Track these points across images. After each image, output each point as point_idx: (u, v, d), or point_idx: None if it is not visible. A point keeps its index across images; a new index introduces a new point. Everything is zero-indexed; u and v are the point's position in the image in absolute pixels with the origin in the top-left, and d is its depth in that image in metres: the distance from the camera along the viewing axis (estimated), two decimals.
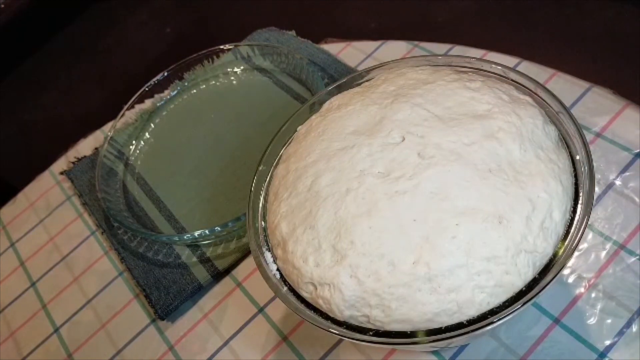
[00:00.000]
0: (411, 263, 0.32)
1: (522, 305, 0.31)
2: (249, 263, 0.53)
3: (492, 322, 0.31)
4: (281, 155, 0.43)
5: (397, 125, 0.37)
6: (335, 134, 0.39)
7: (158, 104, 0.70)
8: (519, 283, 0.32)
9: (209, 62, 0.70)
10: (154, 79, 0.69)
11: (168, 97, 0.71)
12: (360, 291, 0.33)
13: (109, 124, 0.71)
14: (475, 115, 0.37)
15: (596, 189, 0.46)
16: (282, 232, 0.37)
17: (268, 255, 0.38)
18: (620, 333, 0.39)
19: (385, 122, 0.38)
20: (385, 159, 0.36)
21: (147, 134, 0.68)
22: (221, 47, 0.69)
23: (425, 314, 0.32)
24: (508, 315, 0.31)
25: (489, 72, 0.42)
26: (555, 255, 0.33)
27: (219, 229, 0.51)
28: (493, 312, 0.32)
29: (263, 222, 0.40)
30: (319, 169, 0.38)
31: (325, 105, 0.44)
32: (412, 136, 0.36)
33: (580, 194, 0.35)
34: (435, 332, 0.32)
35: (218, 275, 0.53)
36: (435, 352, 0.43)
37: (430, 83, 0.40)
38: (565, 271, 0.43)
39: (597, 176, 0.47)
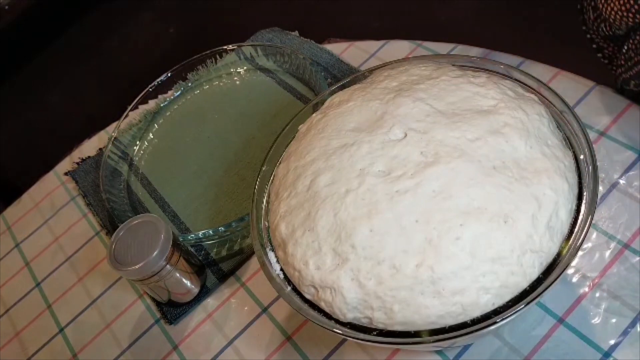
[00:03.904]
0: (414, 266, 0.32)
1: (525, 305, 0.31)
2: (252, 263, 0.53)
3: (495, 322, 0.31)
4: (283, 155, 0.43)
5: (398, 120, 0.37)
6: (334, 131, 0.39)
7: (162, 105, 0.70)
8: (523, 283, 0.32)
9: (212, 62, 0.70)
10: (158, 80, 0.69)
11: (172, 97, 0.71)
12: (362, 294, 0.33)
13: (113, 125, 0.71)
14: (480, 111, 0.36)
15: (600, 188, 0.46)
16: (282, 234, 0.37)
17: (271, 255, 0.38)
18: (625, 332, 0.39)
19: (387, 118, 0.37)
20: (386, 156, 0.35)
21: (150, 135, 0.69)
22: (224, 47, 0.70)
23: (428, 316, 0.32)
24: (512, 315, 0.31)
25: (492, 71, 0.42)
26: (559, 254, 0.33)
27: (222, 229, 0.52)
28: (497, 312, 0.32)
29: (266, 222, 0.40)
30: (318, 168, 0.37)
31: (327, 103, 0.44)
32: (414, 132, 0.36)
33: (584, 193, 0.35)
34: (438, 332, 0.32)
35: (223, 277, 0.53)
36: (439, 352, 0.43)
37: (434, 78, 0.40)
38: (570, 270, 0.43)
39: (601, 175, 0.47)
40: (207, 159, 0.63)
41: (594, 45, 0.56)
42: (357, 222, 0.33)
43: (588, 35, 0.54)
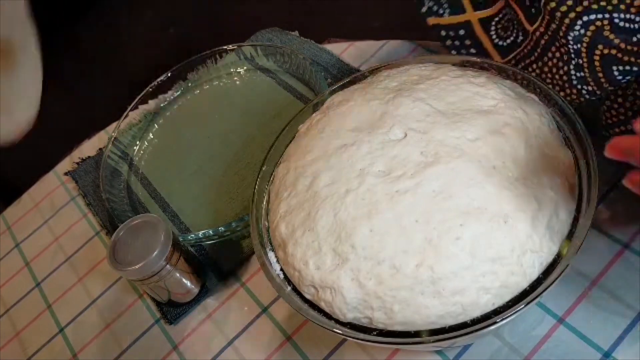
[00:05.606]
0: (414, 266, 0.32)
1: (525, 305, 0.31)
2: (252, 263, 0.53)
3: (495, 322, 0.31)
4: (282, 155, 0.43)
5: (398, 120, 0.37)
6: (334, 131, 0.39)
7: (162, 105, 0.70)
8: (524, 283, 0.32)
9: (212, 62, 0.70)
10: (158, 80, 0.69)
11: (172, 97, 0.71)
12: (362, 294, 0.33)
13: (113, 125, 0.71)
14: (480, 111, 0.36)
15: (599, 187, 0.46)
16: (282, 234, 0.37)
17: (272, 255, 0.38)
18: (625, 332, 0.39)
19: (387, 118, 0.37)
20: (386, 156, 0.35)
21: (150, 135, 0.69)
22: (224, 47, 0.70)
23: (428, 316, 0.32)
24: (512, 315, 0.31)
25: (491, 71, 0.42)
26: (559, 254, 0.33)
27: (222, 229, 0.52)
28: (497, 312, 0.32)
29: (266, 222, 0.40)
30: (318, 168, 0.37)
31: (327, 102, 0.44)
32: (414, 132, 0.36)
33: (584, 193, 0.35)
34: (438, 332, 0.32)
35: (224, 277, 0.53)
36: (439, 352, 0.43)
37: (434, 78, 0.40)
38: (570, 270, 0.43)
39: (601, 175, 0.47)
40: (207, 159, 0.63)
41: None
42: (357, 222, 0.33)
43: None
